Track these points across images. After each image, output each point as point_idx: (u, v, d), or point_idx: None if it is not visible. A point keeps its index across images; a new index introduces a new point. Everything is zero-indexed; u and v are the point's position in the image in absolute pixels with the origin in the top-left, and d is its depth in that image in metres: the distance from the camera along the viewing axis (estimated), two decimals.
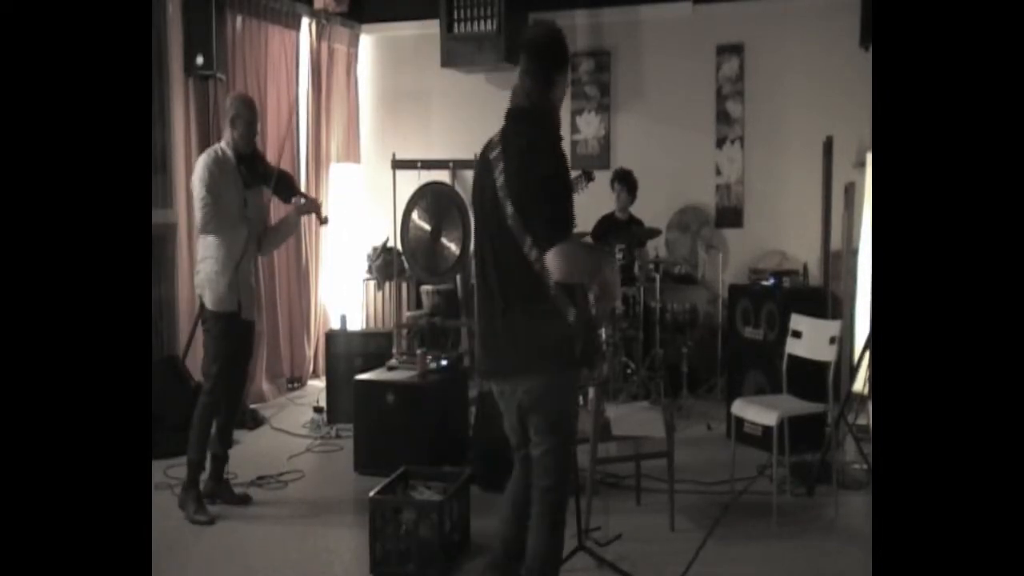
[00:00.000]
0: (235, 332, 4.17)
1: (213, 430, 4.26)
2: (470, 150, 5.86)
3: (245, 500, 4.30)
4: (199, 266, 4.16)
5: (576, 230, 2.83)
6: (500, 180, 2.63)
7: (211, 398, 4.15)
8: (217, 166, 4.06)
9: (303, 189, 6.92)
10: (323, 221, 4.49)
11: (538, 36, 2.75)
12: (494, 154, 2.68)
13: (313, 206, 4.42)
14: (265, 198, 4.29)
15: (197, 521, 4.00)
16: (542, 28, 2.78)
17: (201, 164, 4.08)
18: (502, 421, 2.89)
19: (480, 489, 4.15)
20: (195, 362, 5.57)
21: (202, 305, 4.18)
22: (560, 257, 2.51)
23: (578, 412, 2.86)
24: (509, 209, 2.59)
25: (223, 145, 4.16)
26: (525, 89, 2.71)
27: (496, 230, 2.65)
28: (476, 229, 2.80)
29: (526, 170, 2.59)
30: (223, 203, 4.05)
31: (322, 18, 7.16)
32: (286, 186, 4.34)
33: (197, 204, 4.04)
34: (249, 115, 4.14)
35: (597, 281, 2.68)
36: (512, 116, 2.74)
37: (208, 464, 4.25)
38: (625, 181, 6.39)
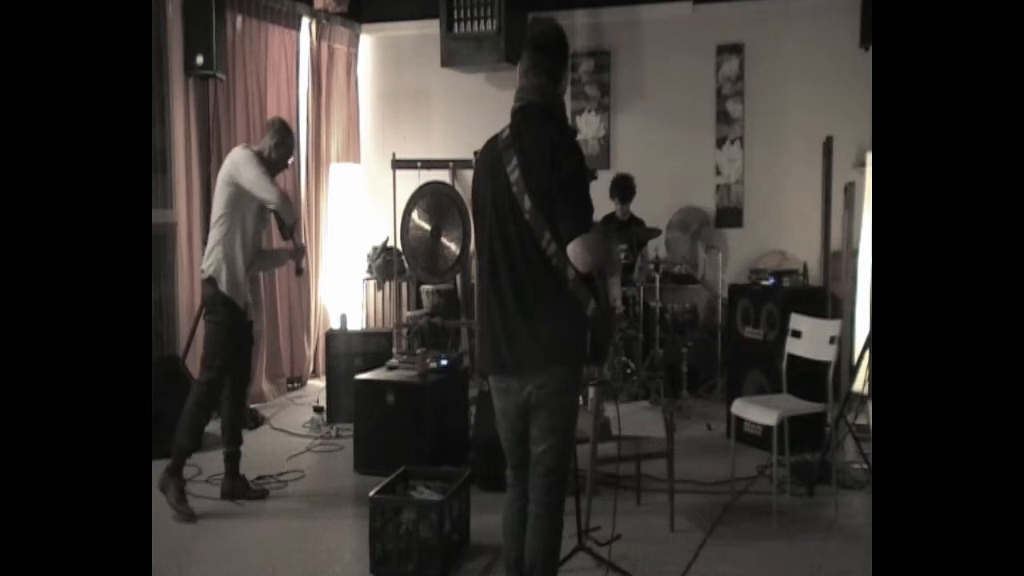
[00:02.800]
0: (242, 328, 4.19)
1: (218, 429, 4.29)
2: (470, 150, 5.87)
3: (262, 494, 4.34)
4: (215, 248, 4.09)
5: None
6: (515, 175, 2.61)
7: (208, 389, 4.13)
8: (260, 163, 4.09)
9: (303, 189, 6.95)
10: (299, 272, 4.50)
11: (544, 32, 2.76)
12: (505, 150, 2.66)
13: (301, 252, 4.41)
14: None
15: (179, 511, 3.99)
16: (545, 25, 2.79)
17: (249, 157, 4.07)
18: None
19: (480, 489, 4.15)
20: (195, 362, 5.58)
21: (207, 290, 4.10)
22: (584, 247, 2.54)
23: (578, 411, 2.86)
24: (527, 204, 2.58)
25: (262, 151, 4.19)
26: (534, 86, 2.70)
27: (510, 226, 2.64)
28: (483, 226, 2.74)
29: (549, 166, 2.59)
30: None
31: (322, 18, 7.16)
32: (290, 224, 4.33)
33: (262, 182, 4.02)
34: (292, 146, 4.25)
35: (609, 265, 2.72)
36: (524, 113, 2.71)
37: (223, 464, 4.31)
38: (618, 190, 6.39)
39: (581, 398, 4.34)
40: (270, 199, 4.07)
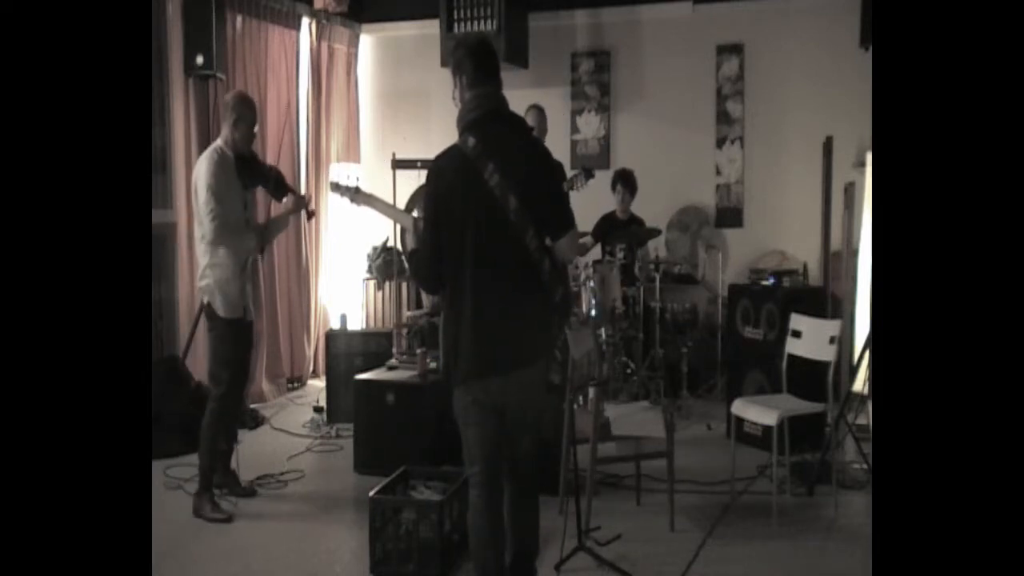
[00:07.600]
0: (245, 336, 4.17)
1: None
2: None
3: (251, 492, 4.36)
4: (206, 271, 4.04)
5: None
6: (495, 180, 2.67)
7: (223, 404, 4.12)
8: (221, 169, 3.98)
9: (303, 189, 6.94)
10: (310, 216, 4.51)
11: (481, 42, 2.88)
12: (477, 159, 2.69)
13: (301, 203, 4.36)
14: (259, 197, 4.29)
15: (216, 519, 4.00)
16: (477, 36, 2.97)
17: (206, 169, 3.96)
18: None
19: None
20: (195, 362, 5.59)
21: (206, 310, 4.10)
22: (573, 241, 2.85)
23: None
24: (512, 204, 2.67)
25: (222, 144, 4.07)
26: (488, 94, 2.79)
27: (496, 227, 2.69)
28: (459, 230, 2.71)
29: (537, 167, 2.80)
30: (228, 208, 3.98)
31: (322, 18, 7.16)
32: (280, 184, 4.34)
33: (205, 214, 3.93)
34: (252, 116, 4.10)
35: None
36: (493, 119, 2.78)
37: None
38: (627, 182, 6.39)
39: (581, 398, 4.37)
40: (202, 232, 3.97)
